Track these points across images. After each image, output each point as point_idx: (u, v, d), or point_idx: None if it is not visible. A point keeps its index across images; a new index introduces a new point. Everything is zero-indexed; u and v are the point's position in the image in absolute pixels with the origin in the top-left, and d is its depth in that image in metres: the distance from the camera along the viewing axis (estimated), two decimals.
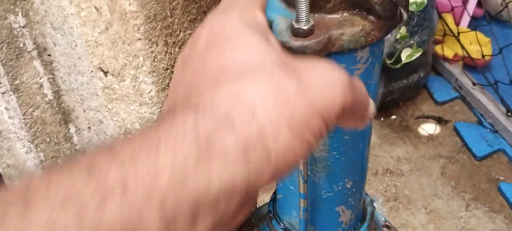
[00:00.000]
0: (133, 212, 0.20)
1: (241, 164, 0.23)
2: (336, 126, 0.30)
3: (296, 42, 0.38)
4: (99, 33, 0.41)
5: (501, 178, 1.10)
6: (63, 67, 0.50)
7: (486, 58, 1.28)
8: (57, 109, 0.52)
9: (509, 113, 1.16)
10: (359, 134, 0.48)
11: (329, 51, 0.39)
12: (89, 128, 0.61)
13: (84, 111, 0.54)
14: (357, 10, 0.40)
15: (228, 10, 0.30)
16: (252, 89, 0.24)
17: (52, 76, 0.54)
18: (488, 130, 1.19)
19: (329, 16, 0.40)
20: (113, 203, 0.20)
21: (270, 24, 0.41)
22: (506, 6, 1.23)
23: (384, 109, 1.27)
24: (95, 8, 0.39)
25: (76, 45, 0.45)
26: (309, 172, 0.51)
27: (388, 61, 1.08)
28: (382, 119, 1.27)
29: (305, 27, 0.38)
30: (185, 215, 0.21)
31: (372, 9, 0.38)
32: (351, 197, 0.54)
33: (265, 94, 0.24)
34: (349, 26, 0.39)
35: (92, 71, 0.47)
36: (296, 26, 0.38)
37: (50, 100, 0.51)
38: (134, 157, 0.21)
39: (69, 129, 0.62)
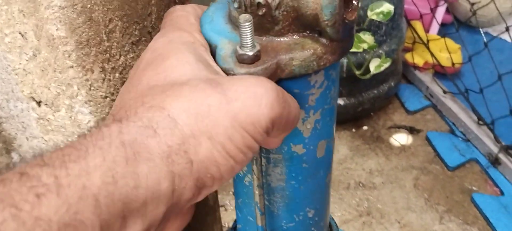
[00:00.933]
0: (69, 208, 0.20)
1: (165, 169, 0.24)
2: (272, 140, 0.32)
3: (241, 70, 0.34)
4: (26, 60, 0.37)
5: (474, 188, 1.08)
6: (0, 93, 0.46)
7: (456, 65, 1.27)
8: None
9: (480, 122, 1.15)
10: (319, 160, 0.45)
11: (279, 78, 0.36)
12: (34, 156, 0.56)
13: (27, 139, 0.50)
14: (308, 32, 0.37)
15: (169, 33, 0.32)
16: (175, 102, 0.26)
17: None
18: (460, 138, 1.18)
19: (278, 39, 0.37)
20: (48, 200, 0.20)
21: (214, 49, 0.37)
22: (474, 13, 1.22)
23: (355, 120, 1.25)
24: (20, 33, 0.35)
25: (12, 70, 0.41)
26: (267, 202, 0.47)
27: (357, 72, 1.06)
28: (353, 130, 1.25)
29: (251, 53, 0.34)
30: (117, 214, 0.22)
31: (323, 31, 0.35)
32: (314, 226, 0.51)
33: (188, 107, 0.26)
34: (299, 50, 0.36)
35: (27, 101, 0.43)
36: (241, 52, 0.34)
37: None
38: (64, 162, 0.21)
39: (12, 158, 0.57)
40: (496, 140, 1.09)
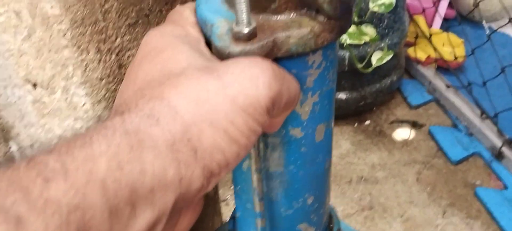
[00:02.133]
0: (77, 191, 0.20)
1: (170, 158, 0.24)
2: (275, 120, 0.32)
3: (237, 48, 0.34)
4: (21, 40, 0.36)
5: (477, 182, 1.07)
6: None
7: (459, 59, 1.26)
8: None
9: (483, 116, 1.14)
10: (318, 145, 0.45)
11: (276, 56, 0.36)
12: (32, 145, 0.56)
13: (25, 127, 0.49)
14: (305, 10, 0.36)
15: (161, 28, 0.33)
16: (174, 92, 0.26)
17: None
18: (463, 133, 1.17)
19: (275, 17, 0.36)
20: (56, 183, 0.20)
21: (210, 27, 0.37)
22: (477, 6, 1.22)
23: (357, 114, 1.24)
24: (14, 12, 0.35)
25: (7, 51, 0.40)
26: (265, 188, 0.47)
27: (359, 65, 1.05)
28: (356, 124, 1.24)
29: (247, 30, 0.34)
30: (125, 200, 0.22)
31: (320, 8, 0.35)
32: (314, 213, 0.50)
33: (187, 95, 0.26)
34: (296, 28, 0.35)
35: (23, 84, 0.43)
36: (236, 29, 0.34)
37: None
38: (70, 148, 0.22)
39: (10, 147, 0.57)
40: (500, 133, 1.08)
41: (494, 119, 1.10)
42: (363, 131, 1.23)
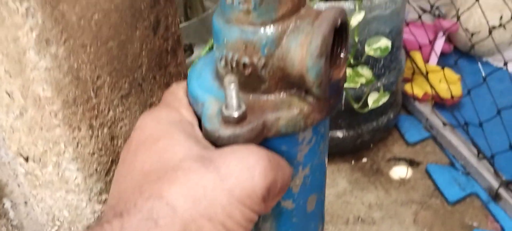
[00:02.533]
0: None
1: None
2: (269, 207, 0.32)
3: (227, 131, 0.34)
4: (14, 118, 0.37)
5: (474, 224, 1.07)
6: None
7: (455, 98, 1.27)
8: None
9: (480, 156, 1.14)
10: (309, 214, 0.45)
11: (266, 137, 0.36)
12: (26, 202, 0.56)
13: (19, 186, 0.49)
14: (295, 90, 0.37)
15: (156, 112, 0.33)
16: (172, 188, 0.26)
17: None
18: (460, 172, 1.17)
19: (265, 97, 0.37)
20: None
21: (201, 106, 0.37)
22: (472, 47, 1.23)
23: (354, 152, 1.24)
24: (7, 92, 0.35)
25: (3, 131, 0.41)
26: None
27: (355, 106, 1.06)
28: (353, 162, 1.24)
29: (236, 114, 0.34)
30: None
31: (309, 91, 0.35)
32: None
33: (184, 192, 0.26)
34: (286, 109, 0.36)
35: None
36: (226, 113, 0.34)
37: None
38: None
39: (4, 204, 0.57)
40: (496, 174, 1.08)
41: (490, 159, 1.10)
42: (360, 169, 1.22)
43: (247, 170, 0.28)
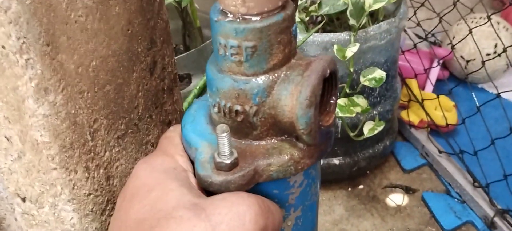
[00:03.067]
0: None
1: None
2: None
3: (219, 177, 0.35)
4: (12, 161, 0.38)
5: None
6: None
7: (450, 126, 1.28)
8: None
9: (476, 184, 1.15)
10: None
11: (257, 182, 0.37)
12: None
13: (16, 220, 0.50)
14: (286, 136, 0.38)
15: (151, 159, 0.35)
16: None
17: None
18: (456, 200, 1.18)
19: (256, 142, 0.38)
20: None
21: (194, 151, 0.38)
22: (467, 77, 1.24)
23: (351, 179, 1.25)
24: (5, 137, 0.36)
25: (1, 172, 0.41)
26: None
27: (351, 134, 1.07)
28: (349, 189, 1.25)
29: (228, 161, 0.35)
30: None
31: (300, 138, 0.36)
32: None
33: None
34: (276, 155, 0.37)
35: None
36: (218, 160, 0.35)
37: None
38: None
39: None
40: (492, 203, 1.09)
41: (485, 188, 1.11)
42: (356, 196, 1.23)
43: (237, 217, 0.29)
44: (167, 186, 0.31)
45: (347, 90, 1.01)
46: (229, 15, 0.34)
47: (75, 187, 0.39)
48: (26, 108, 0.35)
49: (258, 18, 0.33)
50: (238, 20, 0.33)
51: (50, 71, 0.33)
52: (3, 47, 0.31)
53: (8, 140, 0.37)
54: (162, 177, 0.32)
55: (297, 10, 1.06)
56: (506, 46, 1.12)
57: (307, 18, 1.08)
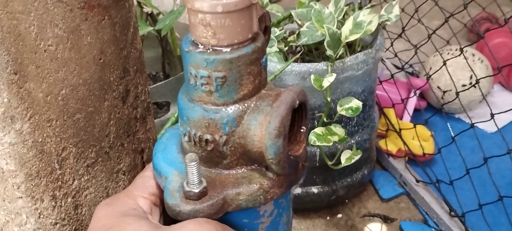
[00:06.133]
0: None
1: None
2: None
3: (187, 206, 0.35)
4: None
5: None
6: None
7: (427, 156, 1.29)
8: None
9: (452, 213, 1.15)
10: None
11: (226, 211, 0.37)
12: None
13: None
14: (255, 165, 0.38)
15: (113, 202, 0.36)
16: None
17: None
18: (433, 229, 1.18)
19: (226, 171, 0.38)
20: None
21: (164, 180, 0.38)
22: (442, 106, 1.26)
23: (329, 207, 1.25)
24: None
25: None
26: None
27: (329, 162, 1.07)
28: (328, 217, 1.24)
29: (197, 190, 0.35)
30: None
31: (269, 167, 0.36)
32: None
33: None
34: (246, 185, 0.37)
35: None
36: (187, 189, 0.35)
37: None
38: None
39: None
40: None
41: (462, 218, 1.12)
42: (335, 225, 1.23)
43: None
44: (124, 222, 0.33)
45: (325, 119, 1.02)
46: (200, 46, 0.34)
47: (41, 216, 0.39)
48: None
49: (228, 49, 0.33)
50: (208, 51, 0.34)
51: (17, 99, 0.33)
52: None
53: None
54: (120, 219, 0.34)
55: (276, 40, 1.08)
56: (478, 78, 1.14)
57: (286, 48, 1.10)
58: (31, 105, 0.35)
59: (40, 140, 0.36)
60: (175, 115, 0.73)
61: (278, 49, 1.08)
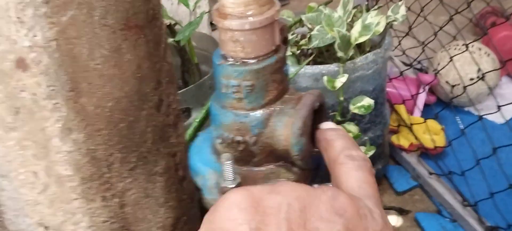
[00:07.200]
0: None
1: None
2: None
3: None
4: (37, 193, 0.42)
5: None
6: (10, 210, 0.51)
7: (439, 149, 1.33)
8: None
9: (465, 203, 1.19)
10: None
11: None
12: None
13: None
14: (282, 162, 0.42)
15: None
16: None
17: (1, 219, 0.54)
18: (448, 219, 1.22)
19: (256, 169, 0.42)
20: None
21: (201, 179, 0.43)
22: (451, 100, 1.30)
23: None
24: (33, 172, 0.41)
25: (26, 204, 0.46)
26: None
27: None
28: None
29: (232, 186, 0.40)
30: None
31: (294, 163, 0.41)
32: None
33: None
34: (274, 179, 0.41)
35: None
36: (223, 184, 0.40)
37: None
38: None
39: None
40: (481, 221, 1.13)
41: (474, 207, 1.16)
42: None
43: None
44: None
45: (339, 118, 1.06)
46: (229, 59, 0.39)
47: (94, 215, 0.44)
48: (52, 146, 0.39)
49: (255, 61, 0.38)
50: (238, 63, 0.38)
51: (74, 113, 0.38)
52: (34, 94, 0.36)
53: (34, 174, 0.41)
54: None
55: (289, 44, 1.12)
56: (484, 72, 1.17)
57: (299, 52, 1.14)
58: (85, 118, 0.40)
59: (92, 147, 0.41)
60: (197, 120, 0.78)
61: (290, 53, 1.12)
